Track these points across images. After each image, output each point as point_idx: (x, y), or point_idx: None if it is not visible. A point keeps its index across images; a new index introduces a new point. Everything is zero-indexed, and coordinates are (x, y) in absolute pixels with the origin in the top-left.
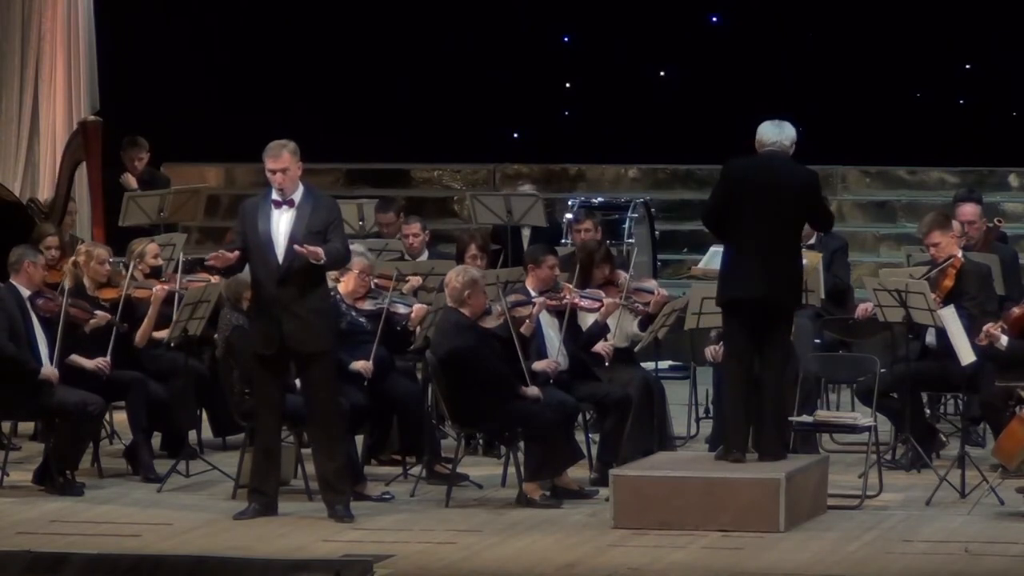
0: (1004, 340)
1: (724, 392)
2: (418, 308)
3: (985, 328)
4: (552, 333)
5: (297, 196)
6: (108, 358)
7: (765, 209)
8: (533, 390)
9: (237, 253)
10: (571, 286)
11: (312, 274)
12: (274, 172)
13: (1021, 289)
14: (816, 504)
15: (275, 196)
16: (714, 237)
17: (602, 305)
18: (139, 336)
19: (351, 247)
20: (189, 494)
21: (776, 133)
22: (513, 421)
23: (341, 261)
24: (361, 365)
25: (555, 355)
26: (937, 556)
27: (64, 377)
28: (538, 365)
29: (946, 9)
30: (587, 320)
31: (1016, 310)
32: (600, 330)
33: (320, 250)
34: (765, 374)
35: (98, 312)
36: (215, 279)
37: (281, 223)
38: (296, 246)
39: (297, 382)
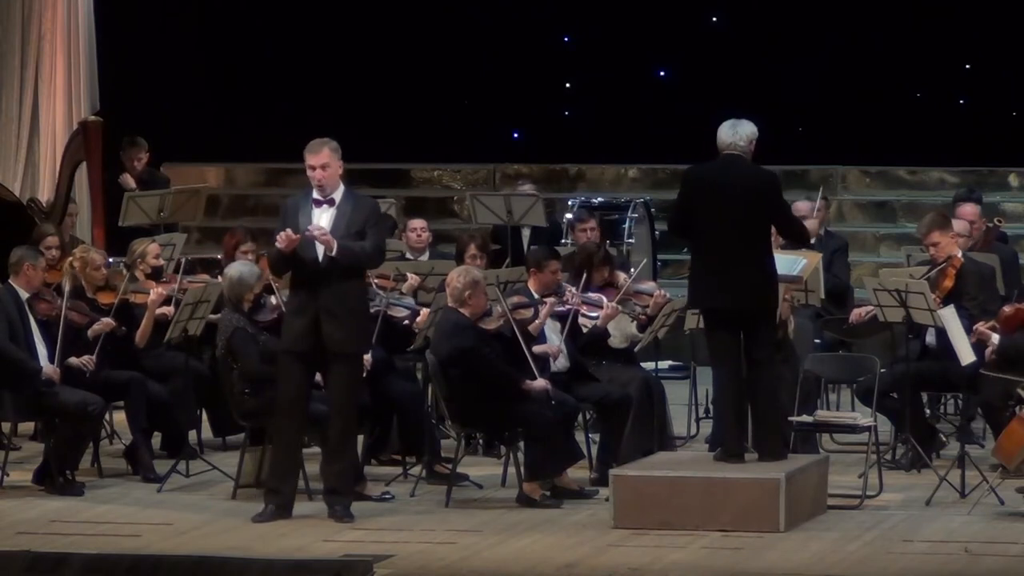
0: (995, 339)
1: (717, 395)
2: (425, 314)
3: (976, 327)
4: (553, 336)
5: (338, 195)
6: (94, 356)
7: (725, 214)
8: (541, 382)
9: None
10: (574, 289)
11: (351, 274)
12: (314, 168)
13: (1021, 289)
14: (816, 504)
15: (316, 195)
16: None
17: (603, 310)
18: (139, 337)
19: None
20: (189, 494)
21: (732, 135)
22: (513, 421)
23: (371, 260)
24: None
25: None
26: (937, 556)
27: (64, 377)
28: (538, 349)
29: (946, 9)
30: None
31: (1007, 309)
32: (600, 333)
33: (333, 241)
34: (756, 374)
35: (103, 319)
36: (220, 279)
37: (322, 221)
38: (312, 226)
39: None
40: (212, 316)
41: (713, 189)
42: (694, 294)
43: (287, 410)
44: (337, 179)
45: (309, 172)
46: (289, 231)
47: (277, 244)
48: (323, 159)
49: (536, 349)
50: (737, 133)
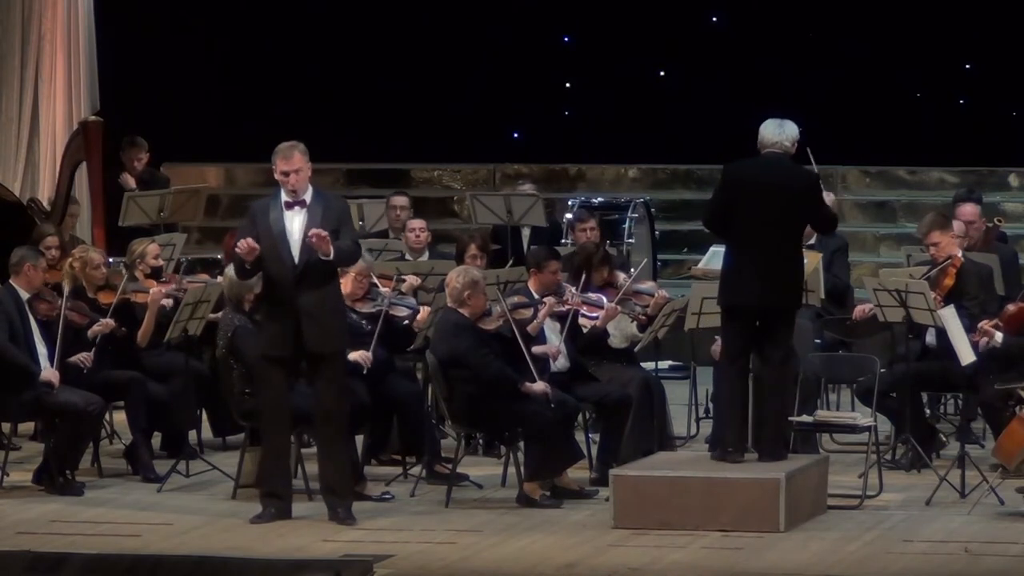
0: (999, 337)
1: (721, 392)
2: (424, 312)
3: (980, 326)
4: (553, 336)
5: (308, 196)
6: (91, 353)
7: (765, 213)
8: (540, 385)
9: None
10: (574, 289)
11: (326, 273)
12: (287, 174)
13: (1021, 289)
14: (816, 504)
15: (287, 197)
16: (717, 238)
17: (603, 311)
18: (140, 336)
19: None
20: (189, 494)
21: (777, 133)
22: (513, 421)
23: (352, 257)
24: (359, 355)
25: None
26: (937, 556)
27: (64, 377)
28: (538, 349)
29: (946, 9)
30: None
31: (1011, 307)
32: (600, 333)
33: (331, 247)
34: (766, 373)
35: (103, 320)
36: (221, 279)
37: (295, 223)
38: (314, 230)
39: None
40: (213, 315)
41: (755, 187)
42: (726, 290)
43: (271, 416)
44: (307, 181)
45: (281, 178)
46: (250, 240)
47: (238, 252)
48: (296, 164)
49: (536, 349)
50: (784, 132)
